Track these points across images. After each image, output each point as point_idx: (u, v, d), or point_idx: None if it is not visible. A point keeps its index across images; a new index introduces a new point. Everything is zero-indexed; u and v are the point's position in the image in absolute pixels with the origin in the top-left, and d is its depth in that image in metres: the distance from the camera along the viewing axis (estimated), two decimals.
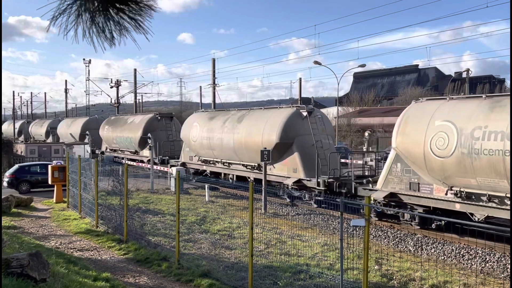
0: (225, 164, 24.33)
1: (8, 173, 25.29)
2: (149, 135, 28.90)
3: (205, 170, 26.25)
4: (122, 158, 36.65)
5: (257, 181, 20.71)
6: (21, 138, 65.79)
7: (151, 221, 15.65)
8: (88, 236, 14.21)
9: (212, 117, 26.17)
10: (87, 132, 44.87)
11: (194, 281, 9.61)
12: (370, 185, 17.06)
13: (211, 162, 25.64)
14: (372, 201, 10.33)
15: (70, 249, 12.56)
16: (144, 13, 2.20)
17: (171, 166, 27.74)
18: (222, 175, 24.96)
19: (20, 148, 37.78)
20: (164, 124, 33.56)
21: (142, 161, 33.49)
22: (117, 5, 2.12)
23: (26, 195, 22.02)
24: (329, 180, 18.23)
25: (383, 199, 15.43)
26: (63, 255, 11.22)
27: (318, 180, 18.48)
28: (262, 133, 21.06)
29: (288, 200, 20.19)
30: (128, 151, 36.36)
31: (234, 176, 23.75)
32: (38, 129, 60.93)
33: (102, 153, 41.65)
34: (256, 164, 21.72)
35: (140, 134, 33.01)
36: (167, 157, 30.97)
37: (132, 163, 32.84)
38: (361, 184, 17.50)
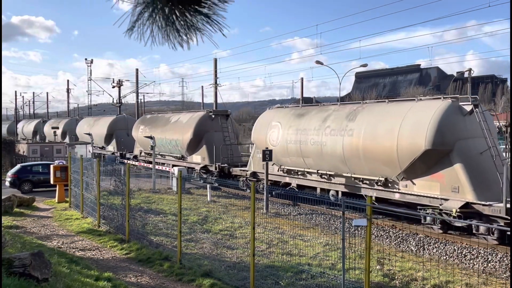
0: (324, 176, 18.82)
1: (10, 173, 25.34)
2: (151, 135, 28.65)
3: (289, 183, 20.61)
4: (163, 164, 30.37)
5: (380, 200, 16.35)
6: (37, 138, 61.41)
7: (153, 221, 15.66)
8: (90, 235, 14.23)
9: (302, 114, 20.46)
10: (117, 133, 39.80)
11: (196, 281, 9.62)
12: None
13: (299, 172, 20.08)
14: None
15: (72, 249, 12.58)
16: (218, 8, 2.19)
17: (236, 176, 23.85)
18: (318, 190, 19.40)
19: (22, 148, 37.85)
20: (220, 124, 26.96)
21: (192, 169, 27.45)
22: (191, 6, 2.13)
23: (28, 195, 22.06)
24: None
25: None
26: (65, 255, 11.25)
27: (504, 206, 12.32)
28: (397, 135, 15.24)
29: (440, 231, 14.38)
30: (171, 156, 29.98)
31: (339, 193, 18.09)
32: (53, 131, 54.98)
33: (135, 157, 35.22)
34: (382, 179, 16.11)
35: (190, 136, 26.97)
36: (226, 165, 24.89)
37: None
38: None
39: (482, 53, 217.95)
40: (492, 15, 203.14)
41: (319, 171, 18.96)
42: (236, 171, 23.97)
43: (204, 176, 26.05)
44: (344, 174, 17.78)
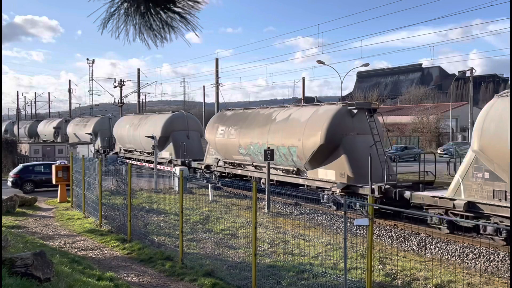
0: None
1: (12, 173, 25.41)
2: (152, 135, 28.10)
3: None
4: (259, 181, 21.24)
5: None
6: (59, 139, 53.91)
7: (155, 220, 15.68)
8: (92, 235, 14.25)
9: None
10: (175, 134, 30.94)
11: (197, 281, 9.62)
12: None
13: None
14: None
15: (74, 249, 12.59)
16: (192, 8, 2.21)
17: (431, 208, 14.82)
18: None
19: (24, 148, 37.92)
20: (365, 122, 18.20)
21: (321, 190, 18.59)
22: (166, 4, 2.15)
23: (30, 194, 22.10)
24: None
25: None
26: (67, 255, 11.26)
27: None
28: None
29: None
30: (277, 168, 20.72)
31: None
32: (79, 130, 47.39)
33: (207, 168, 25.94)
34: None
35: (318, 140, 18.09)
36: (390, 187, 15.91)
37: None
38: None
39: (485, 52, 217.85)
40: (495, 14, 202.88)
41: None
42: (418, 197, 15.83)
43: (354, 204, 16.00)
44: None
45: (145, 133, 30.99)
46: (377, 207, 14.34)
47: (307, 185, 19.32)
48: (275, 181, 20.89)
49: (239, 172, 23.61)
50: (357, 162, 17.53)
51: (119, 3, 2.11)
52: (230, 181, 23.26)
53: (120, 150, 38.77)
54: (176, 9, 2.14)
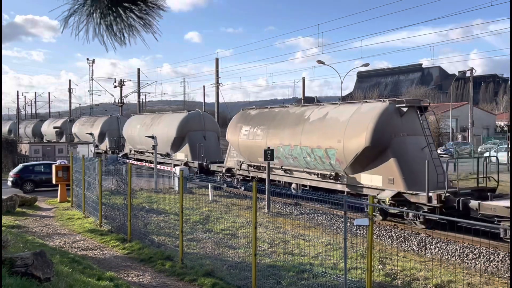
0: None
1: (12, 173, 25.42)
2: (153, 134, 27.76)
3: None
4: (290, 186, 20.39)
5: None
6: (63, 139, 51.67)
7: (155, 220, 15.68)
8: (92, 235, 14.25)
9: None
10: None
11: (197, 280, 9.62)
12: None
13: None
14: None
15: (74, 248, 12.59)
16: (152, 13, 2.22)
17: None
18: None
19: (24, 147, 37.93)
20: (416, 122, 16.47)
21: (365, 197, 16.40)
22: (125, 4, 2.15)
23: (30, 194, 22.10)
24: None
25: None
26: (67, 254, 11.26)
27: None
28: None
29: None
30: (312, 173, 19.13)
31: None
32: (85, 130, 43.80)
33: (229, 171, 24.18)
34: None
35: (363, 142, 16.32)
36: (448, 194, 14.08)
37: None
38: None
39: (486, 52, 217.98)
40: (495, 14, 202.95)
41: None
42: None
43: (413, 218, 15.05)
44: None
45: (159, 134, 29.47)
46: (436, 218, 13.20)
47: (347, 192, 17.39)
48: (308, 187, 19.10)
49: (265, 176, 20.56)
50: (408, 166, 15.70)
51: (81, 2, 2.12)
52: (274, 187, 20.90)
53: (130, 151, 36.63)
54: (136, 11, 2.15)
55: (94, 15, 2.15)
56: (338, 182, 17.90)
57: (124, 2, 2.14)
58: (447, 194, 13.98)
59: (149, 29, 2.21)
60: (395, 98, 17.20)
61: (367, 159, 16.50)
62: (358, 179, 17.09)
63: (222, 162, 25.67)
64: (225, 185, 23.84)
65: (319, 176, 18.71)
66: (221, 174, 24.61)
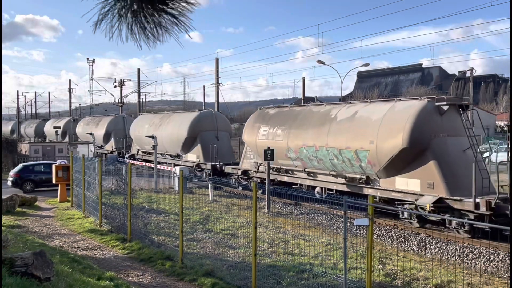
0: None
1: (12, 173, 25.43)
2: (153, 134, 27.77)
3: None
4: (314, 189, 19.13)
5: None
6: (66, 139, 49.89)
7: (155, 220, 15.68)
8: (92, 235, 14.25)
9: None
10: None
11: (197, 280, 9.63)
12: None
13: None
14: None
15: (74, 248, 12.60)
16: (183, 10, 2.21)
17: None
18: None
19: (24, 147, 37.92)
20: (458, 122, 15.54)
21: (400, 203, 15.56)
22: (159, 6, 2.15)
23: (30, 194, 22.11)
24: None
25: None
26: (67, 254, 11.26)
27: None
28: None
29: None
30: (339, 175, 17.84)
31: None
32: (89, 130, 41.13)
33: (245, 173, 22.76)
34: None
35: (399, 143, 15.26)
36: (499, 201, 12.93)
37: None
38: None
39: (486, 52, 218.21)
40: (496, 13, 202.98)
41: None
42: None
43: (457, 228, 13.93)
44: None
45: (169, 134, 28.61)
46: (486, 226, 12.31)
47: (380, 197, 15.98)
48: (334, 191, 17.80)
49: (285, 179, 20.25)
50: (450, 169, 14.51)
51: (112, 3, 2.11)
52: (277, 188, 20.50)
53: (138, 152, 35.25)
54: (168, 9, 2.14)
55: (127, 14, 2.16)
56: (369, 186, 16.61)
57: (156, 2, 2.14)
58: (497, 201, 12.81)
59: (181, 27, 2.20)
60: (434, 96, 15.87)
61: (403, 161, 15.30)
62: (392, 183, 15.84)
63: (236, 164, 24.63)
64: (240, 188, 22.98)
65: (347, 179, 17.40)
66: (237, 176, 23.31)
